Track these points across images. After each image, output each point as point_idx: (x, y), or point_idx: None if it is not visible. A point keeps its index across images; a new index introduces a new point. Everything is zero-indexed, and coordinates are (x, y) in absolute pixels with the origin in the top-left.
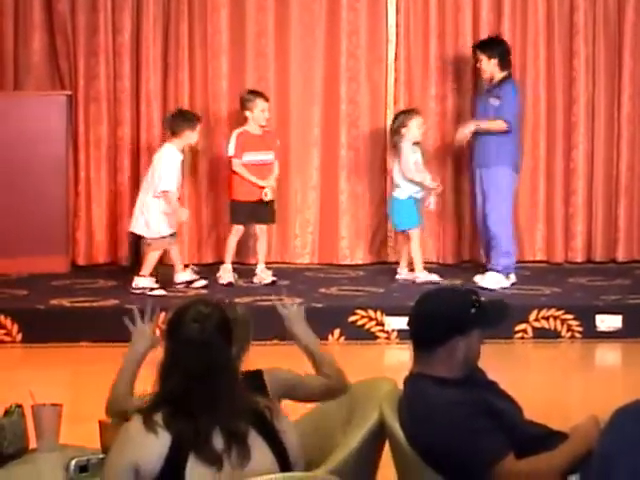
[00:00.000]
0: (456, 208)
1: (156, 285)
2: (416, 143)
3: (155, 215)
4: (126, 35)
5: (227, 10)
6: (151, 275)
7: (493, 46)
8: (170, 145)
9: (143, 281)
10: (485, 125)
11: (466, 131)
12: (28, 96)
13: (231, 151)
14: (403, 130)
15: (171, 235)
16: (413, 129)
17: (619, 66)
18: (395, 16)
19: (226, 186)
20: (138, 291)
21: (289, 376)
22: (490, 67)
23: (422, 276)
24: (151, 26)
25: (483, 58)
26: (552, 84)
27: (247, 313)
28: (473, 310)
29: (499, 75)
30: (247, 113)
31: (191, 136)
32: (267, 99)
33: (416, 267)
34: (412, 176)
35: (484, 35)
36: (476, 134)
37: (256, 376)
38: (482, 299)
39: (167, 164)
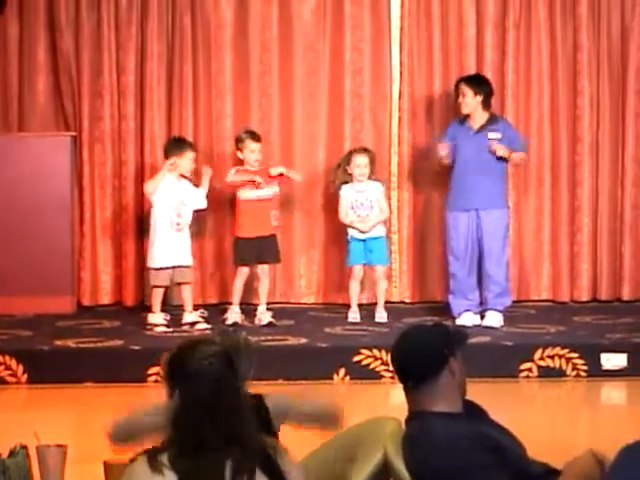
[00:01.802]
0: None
1: (164, 322)
2: (376, 180)
3: (153, 244)
4: (130, 76)
5: (231, 50)
6: (162, 311)
7: (480, 83)
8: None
9: (151, 317)
10: (517, 158)
11: (501, 153)
12: (33, 137)
13: (229, 177)
14: (347, 168)
15: (174, 268)
16: (352, 167)
17: (623, 104)
18: (399, 55)
19: (230, 226)
20: (149, 327)
21: (287, 403)
22: (474, 103)
23: (350, 316)
24: (155, 66)
25: (469, 93)
26: (556, 122)
27: (249, 339)
28: (449, 339)
29: (481, 114)
30: (239, 154)
31: (180, 163)
32: (258, 140)
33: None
34: (342, 220)
35: (488, 74)
36: (467, 176)
37: (258, 401)
38: (449, 328)
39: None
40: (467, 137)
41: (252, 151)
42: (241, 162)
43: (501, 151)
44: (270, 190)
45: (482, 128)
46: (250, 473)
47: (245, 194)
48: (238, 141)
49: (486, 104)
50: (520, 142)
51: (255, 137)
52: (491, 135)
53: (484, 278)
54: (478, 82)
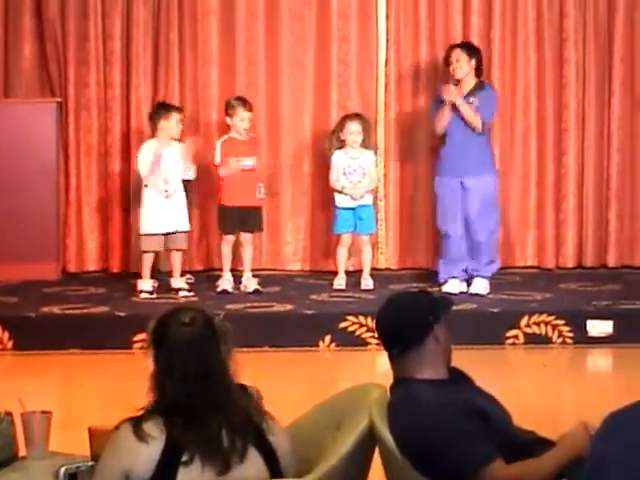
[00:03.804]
0: (422, 214)
1: (151, 289)
2: (364, 147)
3: (142, 210)
4: (116, 42)
5: (217, 17)
6: (151, 277)
7: (473, 49)
8: (149, 141)
9: (140, 283)
10: (467, 111)
11: (453, 98)
12: (18, 103)
13: (217, 159)
14: (341, 135)
15: (166, 235)
16: (345, 134)
17: (609, 72)
18: (385, 22)
19: (216, 193)
20: (138, 292)
21: None
22: (467, 68)
23: (336, 283)
24: (141, 33)
25: (463, 57)
26: (542, 90)
27: (226, 322)
28: (434, 306)
29: (471, 80)
30: (228, 120)
31: (167, 126)
32: (250, 108)
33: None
34: (333, 185)
35: (474, 41)
36: (455, 142)
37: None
38: (434, 295)
39: (139, 157)
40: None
41: (242, 119)
42: (227, 128)
43: (454, 97)
44: (252, 161)
45: (468, 94)
46: (243, 449)
47: (228, 164)
48: (228, 107)
49: (478, 70)
50: (485, 113)
51: (247, 105)
52: (471, 100)
53: (472, 246)
54: (471, 48)
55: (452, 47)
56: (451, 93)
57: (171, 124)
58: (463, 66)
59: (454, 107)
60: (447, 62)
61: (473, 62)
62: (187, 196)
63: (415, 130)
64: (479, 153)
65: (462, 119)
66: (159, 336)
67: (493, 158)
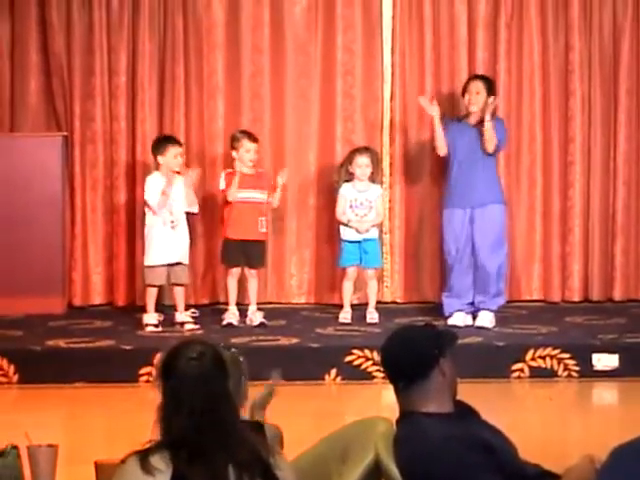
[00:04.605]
0: (427, 248)
1: (156, 322)
2: (372, 181)
3: (146, 242)
4: (122, 77)
5: (223, 51)
6: (156, 311)
7: (493, 87)
8: (153, 174)
9: (146, 317)
10: (489, 129)
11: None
12: (24, 137)
13: (222, 185)
14: (349, 168)
15: (169, 265)
16: (354, 167)
17: (615, 105)
18: (390, 56)
19: (221, 226)
20: (144, 326)
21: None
22: (482, 104)
23: (341, 316)
24: (147, 67)
25: (483, 92)
26: (548, 123)
27: (238, 355)
28: (440, 339)
29: (482, 114)
30: (233, 153)
31: (164, 162)
32: (255, 140)
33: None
34: (339, 218)
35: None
36: (463, 172)
37: (257, 426)
38: (439, 329)
39: (147, 189)
40: (463, 132)
41: (248, 150)
42: (233, 162)
43: (428, 107)
44: (261, 195)
45: (478, 123)
46: (251, 464)
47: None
48: (233, 140)
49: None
50: (499, 135)
51: (252, 137)
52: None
53: (480, 277)
54: (492, 84)
55: (475, 77)
56: (425, 103)
57: (168, 159)
58: (480, 100)
59: (458, 134)
60: (464, 90)
61: (490, 99)
62: (191, 227)
63: (420, 164)
64: (487, 183)
65: (468, 148)
66: (167, 369)
67: (501, 189)
